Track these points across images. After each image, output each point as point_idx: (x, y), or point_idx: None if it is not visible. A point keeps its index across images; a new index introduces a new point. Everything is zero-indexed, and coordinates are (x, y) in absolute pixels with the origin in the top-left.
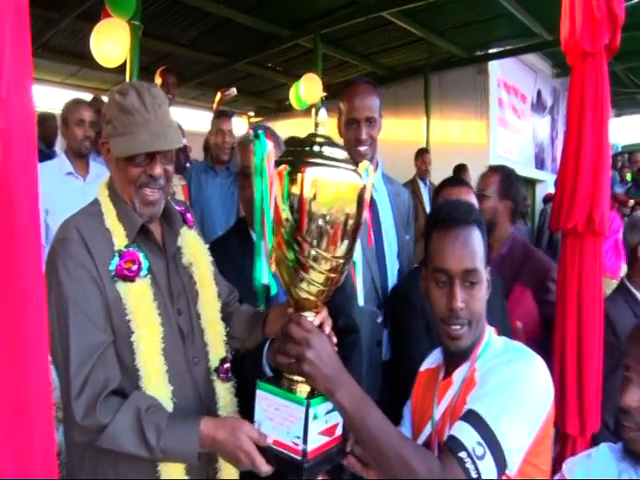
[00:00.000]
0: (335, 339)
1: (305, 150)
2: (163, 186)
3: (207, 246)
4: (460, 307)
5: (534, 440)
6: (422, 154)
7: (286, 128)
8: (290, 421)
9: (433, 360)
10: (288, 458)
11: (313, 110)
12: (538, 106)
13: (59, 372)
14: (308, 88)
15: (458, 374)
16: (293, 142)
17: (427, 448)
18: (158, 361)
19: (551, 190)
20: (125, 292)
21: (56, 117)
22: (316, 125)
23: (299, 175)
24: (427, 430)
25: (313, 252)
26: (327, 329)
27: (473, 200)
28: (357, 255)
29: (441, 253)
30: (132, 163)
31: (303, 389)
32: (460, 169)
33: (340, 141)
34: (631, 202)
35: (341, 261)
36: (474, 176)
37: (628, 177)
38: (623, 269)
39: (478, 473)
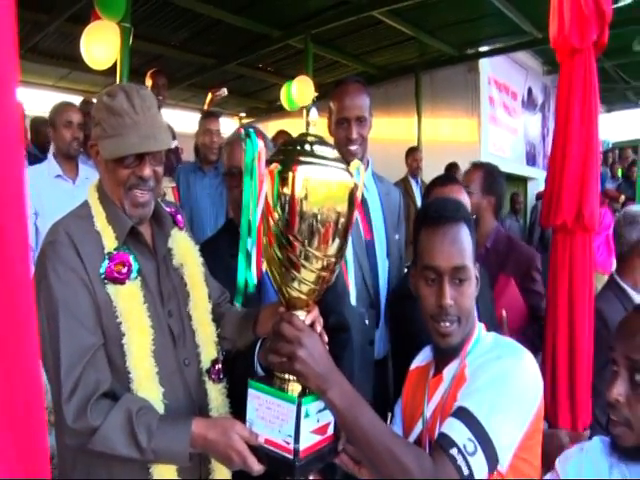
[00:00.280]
0: (326, 338)
1: (296, 149)
2: (153, 187)
3: (198, 247)
4: (449, 304)
5: (524, 435)
6: (413, 152)
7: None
8: (282, 420)
9: (423, 358)
10: (280, 457)
11: (304, 111)
12: (529, 103)
13: (50, 375)
14: (300, 90)
15: (448, 371)
16: (284, 139)
17: (418, 446)
18: (149, 363)
19: (543, 187)
20: (115, 294)
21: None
22: (307, 124)
23: (290, 174)
24: (418, 428)
25: (304, 251)
26: (318, 328)
27: (465, 198)
28: (348, 254)
29: (430, 251)
30: (121, 165)
31: (295, 388)
32: (452, 168)
33: (331, 140)
34: (622, 198)
35: (332, 260)
36: None
37: (619, 173)
38: (614, 265)
39: (470, 469)
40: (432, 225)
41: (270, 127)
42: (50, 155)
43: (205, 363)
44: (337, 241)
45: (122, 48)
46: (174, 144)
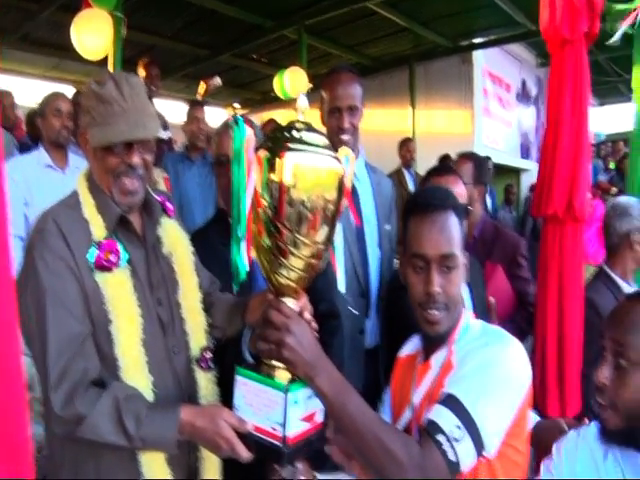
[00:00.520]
0: (315, 325)
1: (285, 136)
2: (142, 175)
3: (188, 236)
4: (437, 292)
5: (512, 421)
6: (406, 143)
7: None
8: (270, 407)
9: (412, 346)
10: (268, 444)
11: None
12: (523, 96)
13: (37, 364)
14: (293, 80)
15: (436, 358)
16: (273, 126)
17: (407, 433)
18: (137, 351)
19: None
20: (104, 283)
21: None
22: (296, 111)
23: (278, 160)
24: (406, 415)
25: (293, 238)
26: (307, 315)
27: (462, 188)
28: (338, 242)
29: (418, 238)
30: (110, 153)
31: (283, 375)
32: (445, 159)
33: (323, 129)
34: (614, 190)
35: (321, 247)
36: None
37: (611, 166)
38: None
39: (456, 456)
40: (420, 213)
41: (264, 118)
42: (40, 145)
43: (194, 351)
44: (325, 228)
45: (114, 38)
46: (167, 135)
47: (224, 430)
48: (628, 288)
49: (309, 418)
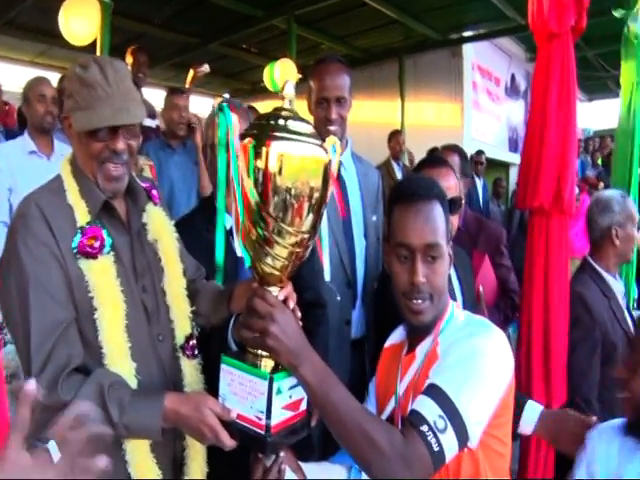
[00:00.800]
0: (299, 314)
1: (270, 124)
2: (126, 161)
3: (173, 223)
4: (422, 282)
5: (494, 412)
6: (395, 135)
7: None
8: (254, 396)
9: (397, 336)
10: (252, 432)
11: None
12: (512, 90)
13: (20, 351)
14: (283, 72)
15: (421, 349)
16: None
17: (391, 423)
18: (121, 338)
19: None
20: (87, 269)
21: None
22: (283, 99)
23: (264, 149)
24: (391, 405)
25: (277, 227)
26: (291, 304)
27: (454, 180)
28: (324, 231)
29: (403, 228)
30: (94, 138)
31: (267, 364)
32: (434, 152)
33: (311, 119)
34: (601, 185)
35: (305, 236)
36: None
37: (599, 161)
38: None
39: (440, 446)
40: (405, 202)
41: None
42: (25, 131)
43: (179, 339)
44: (310, 217)
45: (102, 24)
46: (155, 123)
47: (208, 418)
48: (613, 281)
49: (293, 407)
